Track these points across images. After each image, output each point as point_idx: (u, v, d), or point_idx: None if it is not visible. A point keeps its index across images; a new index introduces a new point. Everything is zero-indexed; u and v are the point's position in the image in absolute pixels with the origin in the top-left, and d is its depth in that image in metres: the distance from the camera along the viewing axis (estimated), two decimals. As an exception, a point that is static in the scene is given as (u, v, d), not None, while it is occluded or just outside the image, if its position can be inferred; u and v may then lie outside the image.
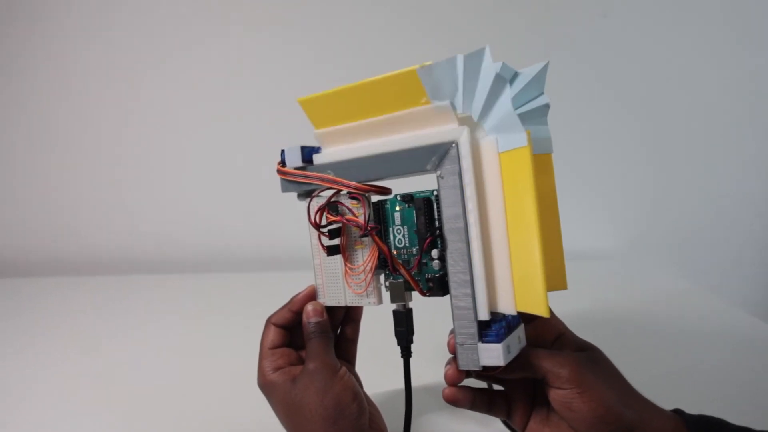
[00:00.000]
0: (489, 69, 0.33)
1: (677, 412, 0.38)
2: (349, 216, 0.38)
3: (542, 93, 0.38)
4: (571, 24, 1.15)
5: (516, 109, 0.38)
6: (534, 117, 0.38)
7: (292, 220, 0.56)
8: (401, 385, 0.41)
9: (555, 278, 0.38)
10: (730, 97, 1.15)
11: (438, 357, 0.43)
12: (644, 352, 0.65)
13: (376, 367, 0.48)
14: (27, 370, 0.67)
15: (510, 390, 0.41)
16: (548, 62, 0.38)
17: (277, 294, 0.47)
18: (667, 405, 0.38)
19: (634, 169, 1.19)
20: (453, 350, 0.36)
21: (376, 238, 0.37)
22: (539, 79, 0.38)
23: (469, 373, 0.38)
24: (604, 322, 0.75)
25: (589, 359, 0.38)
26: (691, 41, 1.14)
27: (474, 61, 0.34)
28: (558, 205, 0.39)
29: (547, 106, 0.38)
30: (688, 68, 1.15)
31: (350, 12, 1.17)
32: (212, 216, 1.24)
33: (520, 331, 0.37)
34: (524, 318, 0.39)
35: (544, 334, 0.41)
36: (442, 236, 0.36)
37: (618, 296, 0.89)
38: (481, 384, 0.42)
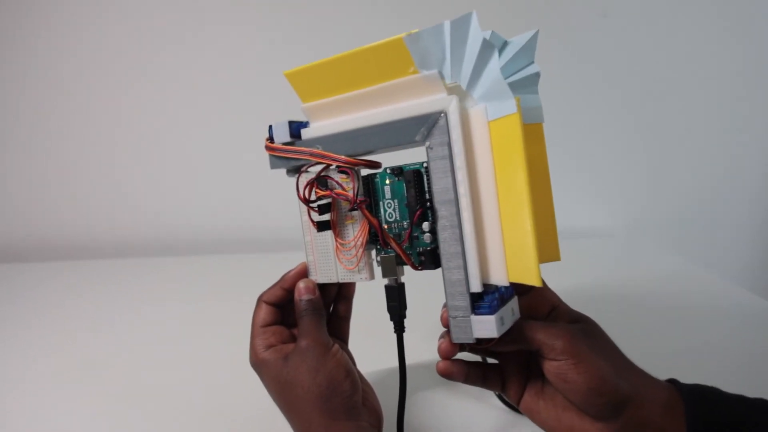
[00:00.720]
0: (476, 35, 0.33)
1: (672, 382, 0.38)
2: (339, 190, 0.37)
3: (532, 62, 0.38)
4: (571, 24, 1.15)
5: (506, 78, 0.37)
6: (524, 86, 0.37)
7: (285, 199, 0.55)
8: (395, 362, 0.40)
9: (548, 249, 0.38)
10: (728, 79, 1.16)
11: (432, 332, 0.42)
12: (641, 329, 0.65)
13: (370, 344, 0.48)
14: (24, 354, 0.66)
15: (504, 363, 0.41)
16: (538, 30, 0.37)
17: (269, 273, 0.47)
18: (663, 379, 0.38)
19: (634, 149, 1.20)
20: (446, 323, 0.36)
21: (366, 211, 0.36)
22: (529, 47, 0.37)
23: (462, 347, 0.38)
24: (602, 298, 0.75)
25: (583, 331, 0.38)
26: (691, 40, 1.14)
27: (461, 27, 0.33)
28: (550, 175, 0.38)
29: (537, 75, 0.37)
30: (687, 57, 1.15)
31: (352, 5, 1.16)
32: (206, 197, 1.23)
33: (513, 304, 0.37)
34: (518, 290, 0.38)
35: (538, 307, 0.41)
36: (432, 208, 0.35)
37: (616, 274, 0.89)
38: (476, 357, 0.42)
